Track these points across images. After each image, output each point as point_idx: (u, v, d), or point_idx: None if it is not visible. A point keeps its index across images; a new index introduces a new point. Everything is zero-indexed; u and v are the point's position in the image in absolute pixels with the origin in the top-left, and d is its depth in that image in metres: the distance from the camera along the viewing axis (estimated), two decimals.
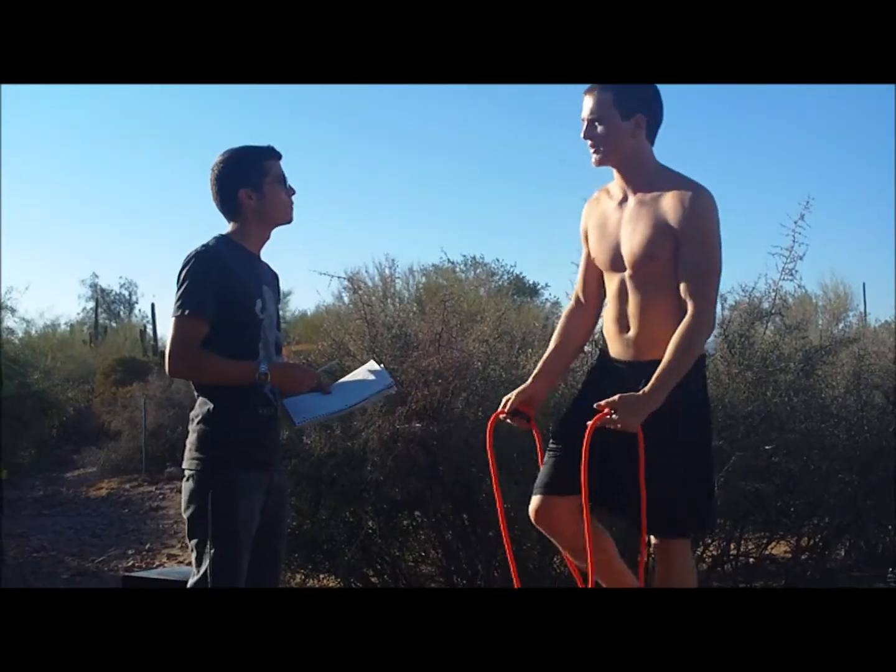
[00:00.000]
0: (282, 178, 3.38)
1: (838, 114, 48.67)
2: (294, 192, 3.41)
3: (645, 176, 3.38)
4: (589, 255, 3.56)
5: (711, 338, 6.02)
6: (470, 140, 56.43)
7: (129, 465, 13.80)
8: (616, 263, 3.41)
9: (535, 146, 55.80)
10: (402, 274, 16.89)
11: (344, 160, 60.50)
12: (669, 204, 3.27)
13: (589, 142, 3.39)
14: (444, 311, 5.58)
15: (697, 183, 3.31)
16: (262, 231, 3.40)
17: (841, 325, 10.62)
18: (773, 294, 5.77)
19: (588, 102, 3.37)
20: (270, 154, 3.37)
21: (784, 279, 5.64)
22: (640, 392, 3.19)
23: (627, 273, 3.37)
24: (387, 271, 12.76)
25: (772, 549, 6.15)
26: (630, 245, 3.34)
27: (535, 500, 3.47)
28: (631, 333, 3.38)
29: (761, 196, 44.04)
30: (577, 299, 3.64)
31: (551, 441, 3.51)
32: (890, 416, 5.82)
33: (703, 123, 50.74)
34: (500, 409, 3.56)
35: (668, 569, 3.34)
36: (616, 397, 3.17)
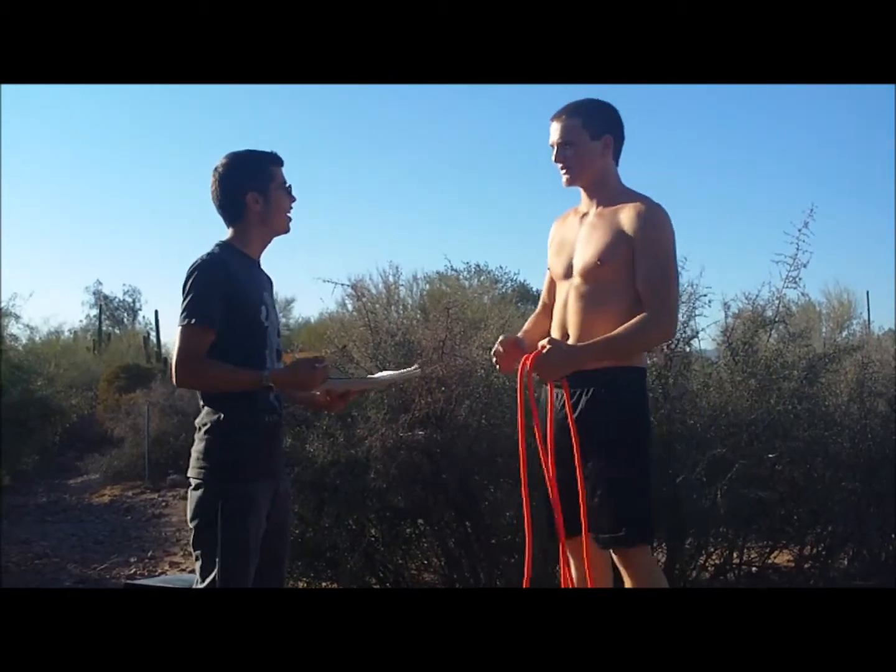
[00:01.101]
0: (285, 185, 3.38)
1: (843, 121, 48.71)
2: (294, 200, 3.41)
3: (609, 193, 3.54)
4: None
5: (714, 345, 6.05)
6: (474, 147, 56.51)
7: (132, 472, 13.79)
8: (567, 271, 3.55)
9: (540, 153, 55.75)
10: (405, 281, 16.94)
11: (348, 167, 60.59)
12: (626, 215, 3.42)
13: (560, 164, 3.55)
14: (447, 318, 5.57)
15: (656, 202, 3.46)
16: (263, 237, 3.39)
17: (844, 333, 10.64)
18: (776, 302, 5.78)
19: (557, 128, 3.54)
20: (275, 160, 3.37)
21: (787, 287, 5.65)
22: (567, 346, 3.38)
23: (575, 281, 3.50)
24: (390, 278, 12.80)
25: (775, 557, 6.13)
26: (583, 251, 3.49)
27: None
28: (571, 342, 3.47)
29: (765, 204, 44.06)
30: (544, 305, 3.81)
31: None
32: (893, 424, 5.80)
33: (706, 131, 50.78)
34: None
35: (633, 578, 3.40)
36: (547, 341, 3.32)
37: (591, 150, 3.50)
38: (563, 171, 3.55)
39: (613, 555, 3.46)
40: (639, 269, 3.37)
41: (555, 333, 3.55)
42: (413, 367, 3.72)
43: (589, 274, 3.44)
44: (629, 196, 3.50)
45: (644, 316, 3.32)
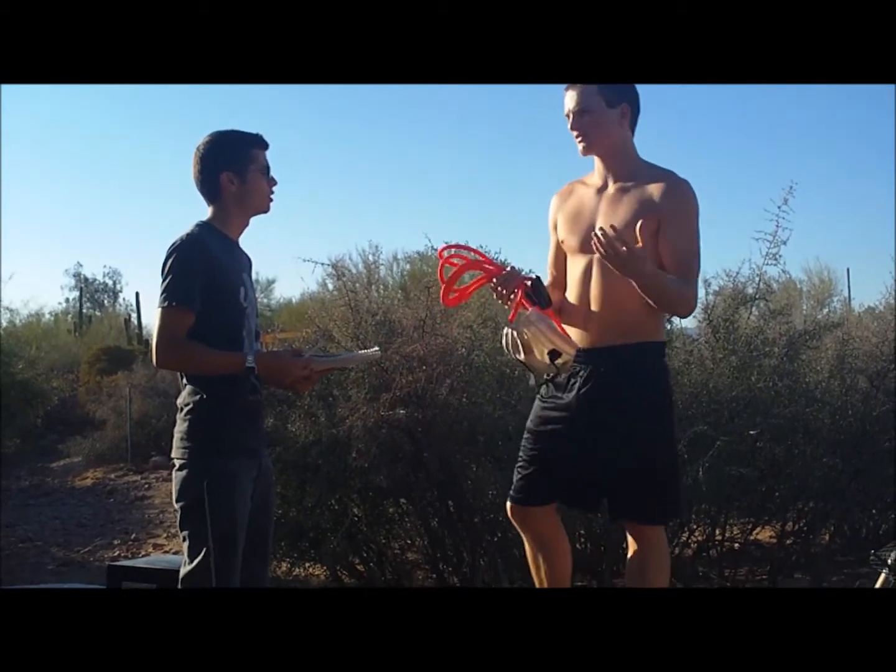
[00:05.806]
0: (266, 169, 3.36)
1: (824, 98, 48.78)
2: (275, 184, 3.39)
3: (628, 164, 3.45)
4: (558, 243, 3.60)
5: (695, 322, 6.07)
6: (455, 125, 56.34)
7: (114, 455, 13.77)
8: (587, 245, 3.32)
9: (522, 132, 55.79)
10: (386, 261, 16.95)
11: (328, 147, 60.36)
12: (654, 187, 3.34)
13: (576, 132, 3.43)
14: (428, 297, 5.57)
15: (682, 177, 3.39)
16: (241, 218, 3.37)
17: (825, 310, 10.69)
18: (757, 279, 5.79)
19: (572, 96, 3.42)
20: (258, 143, 3.35)
21: (768, 264, 5.66)
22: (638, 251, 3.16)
23: (598, 255, 3.30)
24: (371, 258, 12.83)
25: (756, 534, 6.17)
26: (609, 223, 3.29)
27: (510, 507, 3.58)
28: (592, 316, 3.41)
29: (745, 180, 44.13)
30: (553, 278, 3.65)
31: (523, 451, 3.55)
32: (874, 400, 5.84)
33: (686, 106, 50.81)
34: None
35: (644, 552, 3.39)
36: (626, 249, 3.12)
37: (608, 117, 3.39)
38: (580, 139, 3.43)
39: (629, 529, 3.44)
40: (667, 243, 3.31)
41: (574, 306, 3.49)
42: (374, 350, 3.69)
43: None
44: (654, 170, 3.43)
45: (682, 281, 3.27)
